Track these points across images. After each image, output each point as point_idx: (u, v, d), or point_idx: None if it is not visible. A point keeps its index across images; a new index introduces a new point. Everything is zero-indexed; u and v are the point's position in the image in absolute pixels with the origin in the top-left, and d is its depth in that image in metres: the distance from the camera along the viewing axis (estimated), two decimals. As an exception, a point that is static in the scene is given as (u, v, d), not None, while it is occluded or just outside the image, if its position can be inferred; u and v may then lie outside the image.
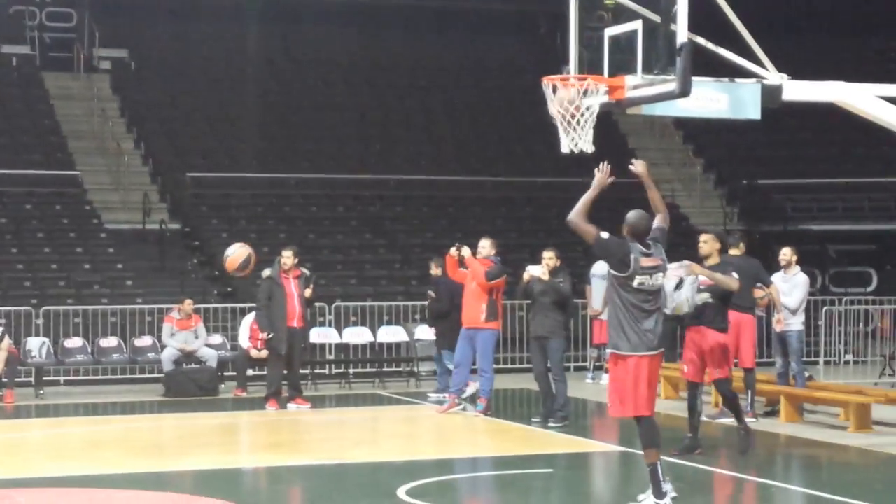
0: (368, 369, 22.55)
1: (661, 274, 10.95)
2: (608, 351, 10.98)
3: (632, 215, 11.15)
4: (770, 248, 18.42)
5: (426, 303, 20.34)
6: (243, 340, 20.75)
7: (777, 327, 17.16)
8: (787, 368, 17.26)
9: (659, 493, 10.52)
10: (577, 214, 11.13)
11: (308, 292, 18.62)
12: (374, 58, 35.33)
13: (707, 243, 14.29)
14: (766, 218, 31.58)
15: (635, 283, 10.71)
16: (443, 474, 12.66)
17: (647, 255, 10.83)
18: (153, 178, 30.04)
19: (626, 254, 10.73)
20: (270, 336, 18.36)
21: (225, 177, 29.70)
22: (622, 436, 16.57)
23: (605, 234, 10.95)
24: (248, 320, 20.60)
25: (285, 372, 18.54)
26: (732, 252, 16.80)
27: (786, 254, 17.19)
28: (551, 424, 16.22)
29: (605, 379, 21.24)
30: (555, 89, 12.85)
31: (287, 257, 18.49)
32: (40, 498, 11.44)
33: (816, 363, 22.26)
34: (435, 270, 19.67)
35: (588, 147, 13.04)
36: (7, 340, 19.92)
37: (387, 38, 36.16)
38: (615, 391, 10.82)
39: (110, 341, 21.70)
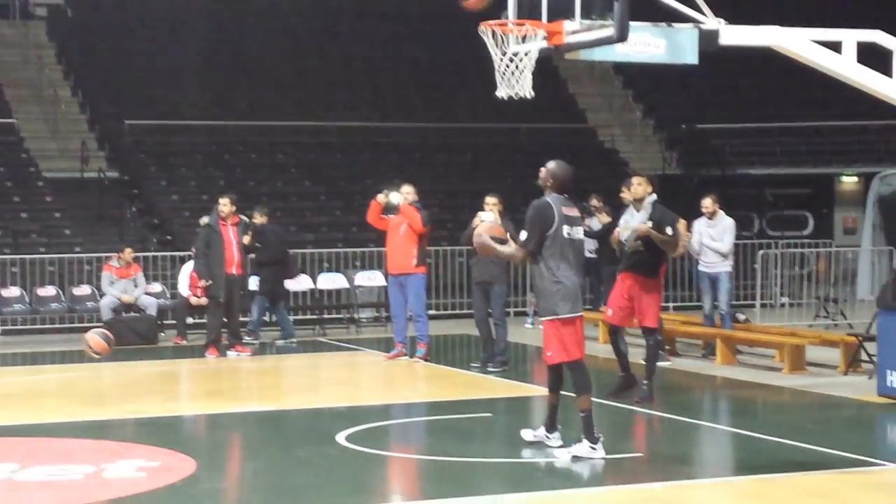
0: (309, 316, 22.56)
1: (581, 228, 10.93)
2: (541, 319, 10.91)
3: (554, 165, 11.14)
4: (709, 193, 18.51)
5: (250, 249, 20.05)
6: (183, 288, 20.71)
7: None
8: (713, 311, 17.46)
9: (593, 438, 10.61)
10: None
11: (246, 239, 18.60)
12: (314, 4, 35.10)
13: (640, 185, 14.34)
14: (704, 163, 31.78)
15: (564, 234, 10.67)
16: (382, 420, 12.74)
17: (568, 206, 10.83)
18: (91, 126, 29.80)
19: (548, 212, 10.67)
20: (209, 283, 18.32)
21: (163, 124, 29.50)
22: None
23: (523, 235, 10.79)
24: (188, 268, 20.54)
25: (225, 319, 18.53)
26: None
27: (706, 205, 17.36)
28: (491, 369, 16.33)
29: (544, 324, 21.41)
30: (493, 34, 12.85)
31: (224, 205, 18.41)
32: (-22, 447, 11.41)
33: (753, 306, 22.52)
34: (260, 219, 19.81)
35: (526, 92, 13.04)
36: None
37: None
38: (554, 342, 10.76)
39: (49, 290, 21.60)
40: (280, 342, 20.05)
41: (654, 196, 14.08)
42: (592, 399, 10.83)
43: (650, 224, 13.81)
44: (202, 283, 18.58)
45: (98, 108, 30.11)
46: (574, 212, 10.91)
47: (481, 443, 11.90)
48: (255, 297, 20.12)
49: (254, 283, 20.10)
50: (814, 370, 16.10)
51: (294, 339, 20.22)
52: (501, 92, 13.04)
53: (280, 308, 20.42)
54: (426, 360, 17.17)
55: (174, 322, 21.03)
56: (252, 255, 19.45)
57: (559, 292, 10.56)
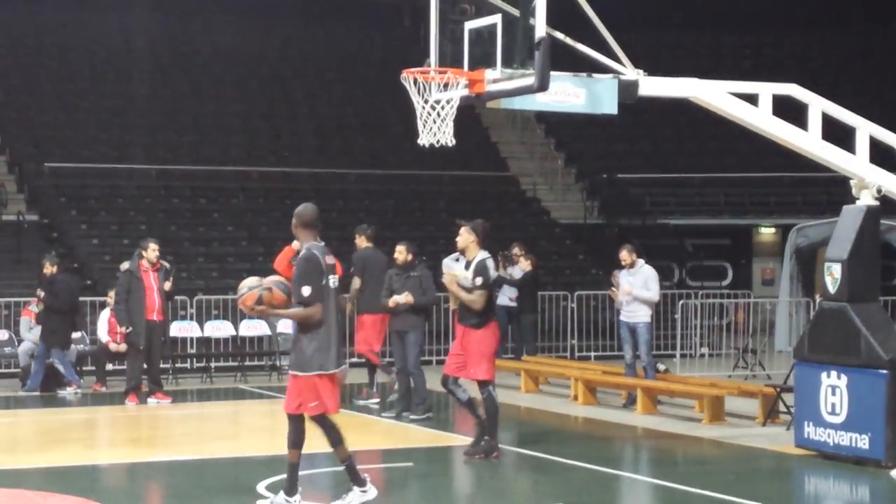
0: (230, 363, 22.40)
1: (335, 276, 10.56)
2: (291, 372, 10.54)
3: (301, 208, 10.65)
4: (629, 242, 18.67)
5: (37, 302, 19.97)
6: (102, 334, 20.48)
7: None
8: (634, 360, 17.57)
9: (360, 482, 10.72)
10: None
11: (168, 285, 18.50)
12: (241, 47, 35.12)
13: (462, 235, 13.69)
14: (625, 212, 32.03)
15: (330, 285, 10.42)
16: (302, 469, 12.64)
17: (327, 254, 10.48)
18: (10, 168, 29.49)
19: (316, 261, 10.32)
20: (129, 330, 18.16)
21: (84, 167, 29.25)
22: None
23: (307, 291, 10.27)
24: (106, 314, 20.34)
25: (145, 366, 18.36)
26: (365, 244, 17.45)
27: (623, 257, 17.50)
28: (412, 417, 16.29)
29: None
30: (415, 82, 12.90)
31: (153, 250, 18.32)
32: None
33: (673, 356, 22.66)
34: (50, 269, 19.66)
35: (448, 140, 13.08)
36: None
37: (252, 28, 35.92)
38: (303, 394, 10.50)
39: None
40: (68, 392, 19.51)
41: (485, 253, 13.56)
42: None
43: (463, 275, 13.46)
44: (122, 329, 18.41)
45: (17, 149, 29.81)
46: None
47: (400, 492, 11.85)
48: (49, 350, 19.64)
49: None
50: (733, 421, 16.20)
51: (79, 391, 19.56)
52: (424, 139, 13.09)
53: (65, 357, 19.84)
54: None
55: (93, 368, 20.77)
56: (40, 305, 19.50)
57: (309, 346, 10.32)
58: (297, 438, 10.60)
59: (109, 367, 20.66)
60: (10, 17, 33.84)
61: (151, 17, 34.68)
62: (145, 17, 34.37)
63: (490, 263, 13.47)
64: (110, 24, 33.95)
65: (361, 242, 17.66)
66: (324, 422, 10.51)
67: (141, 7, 33.80)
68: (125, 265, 18.73)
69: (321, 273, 10.26)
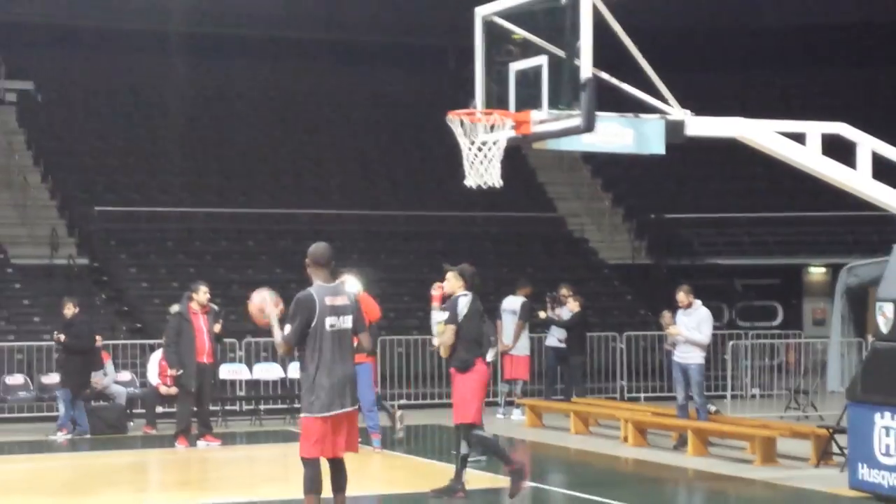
0: (279, 405, 22.40)
1: (349, 316, 10.33)
2: (302, 415, 10.41)
3: (313, 247, 10.46)
4: (677, 283, 18.58)
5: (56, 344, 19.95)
6: (152, 377, 20.55)
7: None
8: (687, 401, 17.44)
9: None
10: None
11: (218, 328, 18.55)
12: (286, 91, 35.34)
13: (449, 281, 13.53)
14: (673, 252, 31.90)
15: (327, 326, 10.18)
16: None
17: (334, 294, 10.30)
18: (61, 212, 29.73)
19: (307, 303, 10.17)
20: (180, 373, 18.21)
21: (133, 211, 29.45)
22: (533, 472, 16.65)
23: (286, 330, 10.25)
24: (157, 357, 20.41)
25: (194, 409, 18.39)
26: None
27: (680, 298, 17.36)
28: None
29: (515, 414, 21.38)
30: (462, 123, 12.93)
31: (204, 293, 18.40)
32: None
33: (723, 397, 22.48)
34: (71, 310, 19.73)
35: (495, 181, 13.09)
36: None
37: (299, 72, 36.16)
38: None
39: (17, 378, 21.39)
40: (61, 436, 19.45)
41: (465, 292, 13.28)
42: None
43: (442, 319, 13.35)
44: (172, 371, 18.46)
45: (68, 194, 30.07)
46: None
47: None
48: (60, 391, 19.82)
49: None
50: (785, 462, 16.04)
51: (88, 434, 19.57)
52: (470, 181, 13.11)
53: (79, 402, 19.82)
54: (382, 450, 16.98)
55: (143, 411, 20.85)
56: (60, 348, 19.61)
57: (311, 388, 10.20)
58: (306, 483, 10.39)
59: (159, 409, 20.72)
60: (58, 62, 34.23)
61: (199, 60, 34.98)
62: (192, 60, 34.64)
63: (463, 301, 13.13)
64: (159, 68, 34.20)
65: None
66: (306, 465, 10.35)
67: (189, 50, 34.07)
68: (175, 308, 18.76)
69: (310, 315, 10.09)
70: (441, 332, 13.25)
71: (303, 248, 32.18)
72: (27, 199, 29.28)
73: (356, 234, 30.22)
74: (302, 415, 10.34)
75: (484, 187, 13.14)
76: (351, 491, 12.75)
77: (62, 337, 19.20)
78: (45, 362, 22.00)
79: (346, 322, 10.28)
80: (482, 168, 13.02)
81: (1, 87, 33.15)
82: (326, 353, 10.13)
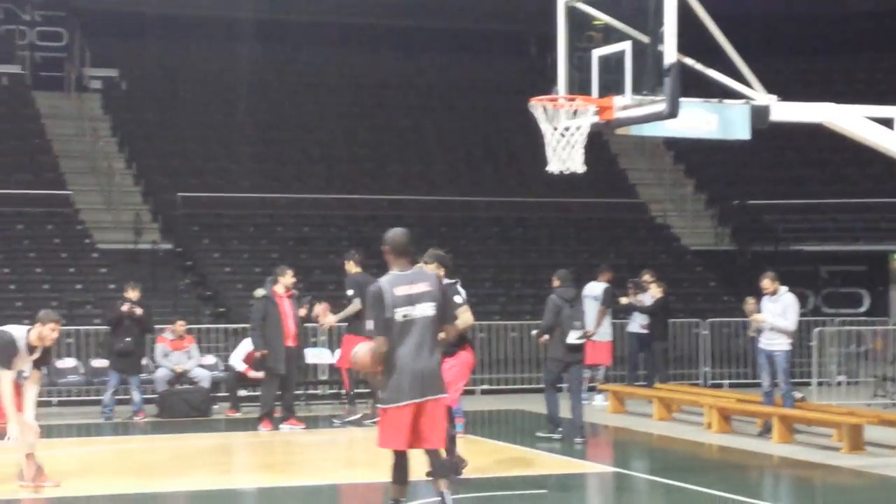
0: (362, 389, 22.48)
1: (431, 303, 9.98)
2: (379, 405, 10.25)
3: (390, 233, 10.21)
4: (761, 269, 18.43)
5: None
6: (236, 361, 20.69)
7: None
8: (772, 388, 17.30)
9: None
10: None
11: (303, 312, 18.69)
12: (366, 78, 35.42)
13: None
14: (757, 238, 31.63)
15: (398, 317, 9.90)
16: (432, 495, 12.63)
17: (410, 282, 9.98)
18: (145, 197, 30.03)
19: (377, 294, 9.94)
20: (266, 354, 18.26)
21: (216, 196, 29.67)
22: (616, 457, 16.65)
23: (369, 325, 10.02)
24: (246, 343, 20.43)
25: (279, 393, 18.51)
26: (354, 269, 18.20)
27: (765, 285, 17.18)
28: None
29: (597, 400, 21.34)
30: (544, 109, 12.90)
31: (291, 276, 18.51)
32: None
33: (809, 384, 22.29)
34: (135, 294, 19.92)
35: (577, 167, 13.06)
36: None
37: (379, 59, 36.26)
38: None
39: (103, 361, 21.65)
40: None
41: (449, 280, 13.06)
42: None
43: None
44: (258, 353, 18.52)
45: (152, 179, 30.37)
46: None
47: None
48: (111, 376, 20.04)
49: (173, 360, 20.59)
50: (872, 450, 15.87)
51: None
52: (553, 167, 13.09)
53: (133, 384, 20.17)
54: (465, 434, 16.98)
55: (227, 394, 21.04)
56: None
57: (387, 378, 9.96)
58: (394, 474, 10.24)
59: (242, 392, 20.90)
60: (142, 50, 34.56)
61: (281, 47, 35.20)
62: (274, 47, 34.86)
63: (456, 288, 13.10)
64: (241, 54, 34.40)
65: (351, 268, 18.55)
66: (393, 457, 10.21)
67: (269, 37, 34.28)
68: (260, 291, 18.80)
69: (383, 306, 9.84)
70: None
71: (383, 233, 32.41)
72: (112, 185, 29.61)
73: (437, 221, 30.25)
74: (379, 405, 10.21)
75: (566, 173, 13.12)
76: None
77: (303, 311, 18.91)
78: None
79: (426, 310, 9.93)
80: (564, 154, 13.00)
81: (86, 74, 33.52)
82: (403, 344, 9.87)
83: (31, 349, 12.96)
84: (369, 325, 10.00)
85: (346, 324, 18.65)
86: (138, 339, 20.18)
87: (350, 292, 18.29)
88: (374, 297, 9.92)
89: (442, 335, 10.22)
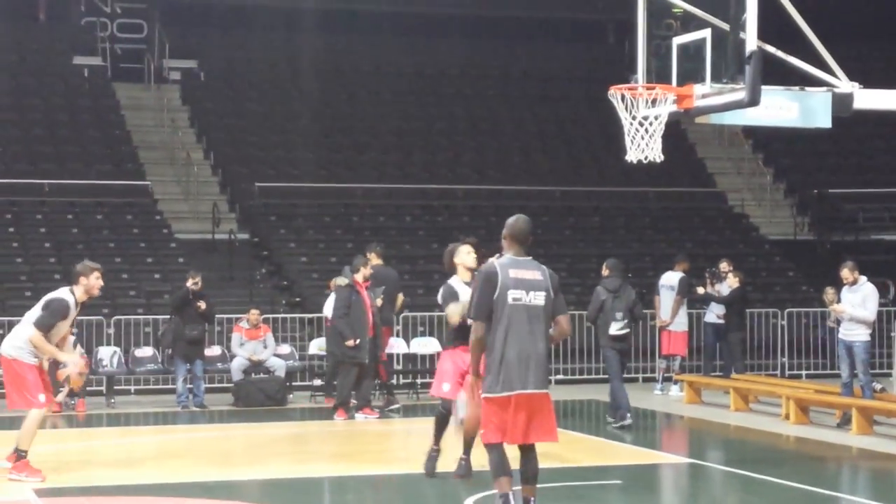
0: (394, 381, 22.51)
1: (542, 293, 9.62)
2: (482, 395, 9.60)
3: (511, 219, 9.88)
4: (840, 259, 18.20)
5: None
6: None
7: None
8: (851, 379, 17.10)
9: None
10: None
11: (379, 301, 18.71)
12: (438, 66, 35.42)
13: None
14: (837, 228, 31.29)
15: (510, 300, 9.51)
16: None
17: (523, 268, 9.63)
18: (222, 187, 30.24)
19: (489, 276, 9.58)
20: (357, 342, 18.19)
21: (292, 186, 29.82)
22: (692, 448, 16.54)
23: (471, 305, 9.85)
24: None
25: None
26: (376, 261, 18.68)
27: (845, 275, 16.96)
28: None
29: (673, 390, 21.21)
30: (623, 98, 12.83)
31: (366, 265, 18.48)
32: (111, 506, 11.54)
33: (889, 375, 22.02)
34: (193, 281, 20.09)
35: (656, 156, 12.98)
36: (79, 349, 20.11)
37: (450, 47, 36.21)
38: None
39: (146, 351, 21.77)
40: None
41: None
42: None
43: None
44: (349, 342, 18.36)
45: (229, 170, 30.56)
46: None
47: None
48: (179, 365, 20.14)
49: (249, 349, 20.74)
50: (953, 442, 15.67)
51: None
52: (631, 155, 13.02)
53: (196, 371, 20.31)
54: None
55: (303, 383, 21.12)
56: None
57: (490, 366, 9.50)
58: (493, 467, 9.63)
59: (318, 381, 20.99)
60: (220, 41, 34.80)
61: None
62: (327, 37, 34.94)
63: (441, 290, 12.75)
64: (315, 45, 34.50)
65: (374, 259, 18.94)
66: (489, 450, 9.63)
67: (321, 27, 34.39)
68: (343, 280, 18.72)
69: (494, 287, 9.47)
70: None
71: (458, 224, 32.60)
72: (190, 175, 29.84)
73: (513, 210, 29.94)
74: (482, 394, 9.59)
75: (644, 162, 13.04)
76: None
77: (380, 301, 18.89)
78: (207, 335, 22.23)
79: (538, 298, 9.56)
80: (643, 143, 12.93)
81: (165, 65, 33.79)
82: (509, 329, 9.43)
83: (78, 305, 13.15)
84: (470, 305, 9.77)
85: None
86: (203, 327, 20.34)
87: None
88: (486, 276, 9.57)
89: (552, 331, 9.74)
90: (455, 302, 12.38)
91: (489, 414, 9.51)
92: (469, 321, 9.78)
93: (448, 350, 12.77)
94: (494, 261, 9.68)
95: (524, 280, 9.54)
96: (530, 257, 9.72)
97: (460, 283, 12.59)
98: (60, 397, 18.71)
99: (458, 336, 12.46)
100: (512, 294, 9.47)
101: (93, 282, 13.24)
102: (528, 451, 9.60)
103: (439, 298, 12.73)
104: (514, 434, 9.46)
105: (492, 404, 9.48)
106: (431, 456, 13.02)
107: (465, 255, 12.79)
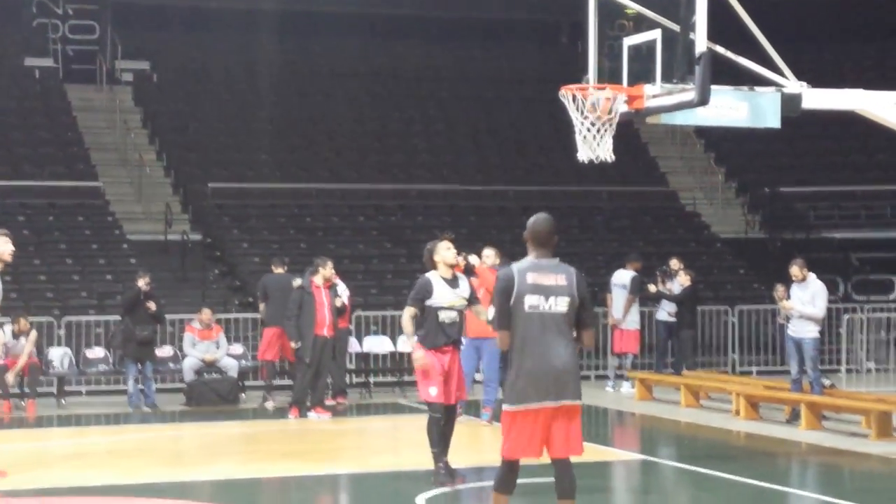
0: (389, 378, 22.57)
1: (565, 298, 8.86)
2: (504, 406, 8.98)
3: (531, 219, 9.19)
4: (791, 257, 18.35)
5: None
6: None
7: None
8: (801, 375, 17.24)
9: None
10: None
11: (339, 301, 18.95)
12: (394, 68, 35.42)
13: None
14: (788, 226, 31.52)
15: (525, 307, 8.84)
16: (463, 482, 12.64)
17: (544, 271, 8.92)
18: (175, 188, 30.13)
19: (504, 282, 8.96)
20: (298, 345, 18.38)
21: (245, 187, 29.78)
22: (643, 445, 16.64)
23: (490, 314, 9.52)
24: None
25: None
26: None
27: (794, 272, 17.09)
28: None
29: (625, 387, 21.33)
30: (574, 98, 12.88)
31: (330, 267, 18.66)
32: (61, 507, 11.49)
33: (838, 371, 22.23)
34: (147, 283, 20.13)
35: (607, 156, 13.04)
36: (34, 336, 20.08)
37: (406, 48, 36.29)
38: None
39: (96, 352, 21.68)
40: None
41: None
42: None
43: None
44: (292, 344, 18.59)
45: (182, 171, 30.46)
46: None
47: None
48: (129, 366, 20.10)
49: (202, 350, 20.76)
50: (901, 437, 15.82)
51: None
52: (582, 155, 13.07)
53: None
54: (491, 423, 16.92)
55: (255, 384, 21.10)
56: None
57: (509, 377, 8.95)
58: (503, 483, 9.10)
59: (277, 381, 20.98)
60: (172, 42, 34.68)
61: (309, 38, 35.25)
62: (299, 38, 34.90)
63: (417, 283, 12.74)
64: (266, 46, 34.45)
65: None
66: (501, 463, 9.10)
67: (278, 29, 34.35)
68: (297, 281, 18.97)
69: (508, 292, 8.82)
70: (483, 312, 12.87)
71: (411, 223, 32.66)
72: (142, 176, 29.72)
73: (466, 210, 30.27)
74: (506, 405, 8.94)
75: (596, 162, 13.10)
76: (463, 462, 12.85)
77: (339, 301, 19.14)
78: (160, 336, 22.18)
79: (559, 305, 8.81)
80: (594, 142, 12.98)
81: (118, 66, 33.64)
82: (527, 337, 8.75)
83: None
84: (492, 314, 9.20)
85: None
86: (154, 328, 20.33)
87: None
88: (502, 283, 8.90)
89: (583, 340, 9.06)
90: (416, 305, 12.43)
91: (505, 426, 8.94)
92: (497, 332, 8.96)
93: (427, 352, 12.55)
94: (514, 265, 9.03)
95: (543, 286, 8.82)
96: (556, 259, 8.97)
97: (438, 279, 12.60)
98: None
99: (426, 338, 12.46)
100: (528, 301, 8.79)
101: (2, 247, 13.05)
102: (560, 465, 8.99)
103: (411, 292, 12.68)
104: (535, 447, 8.90)
105: (507, 417, 8.91)
106: (439, 471, 12.44)
107: (444, 252, 12.70)
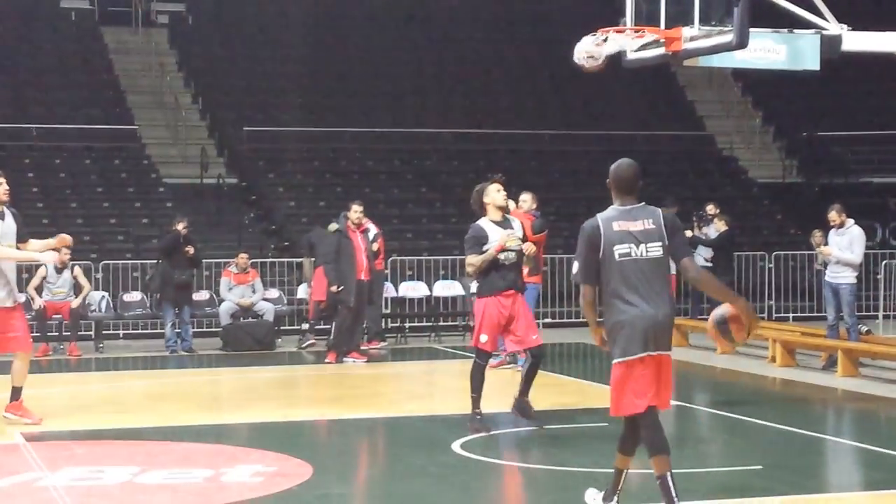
0: (424, 323, 22.61)
1: (657, 243, 8.33)
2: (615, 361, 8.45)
3: (614, 165, 8.64)
4: (828, 202, 18.23)
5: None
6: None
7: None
8: (837, 321, 17.15)
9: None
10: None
11: (375, 246, 18.87)
12: (431, 11, 35.23)
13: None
14: (826, 171, 31.31)
15: (616, 256, 8.35)
16: (496, 429, 12.66)
17: (631, 218, 8.40)
18: (211, 132, 30.16)
19: (588, 233, 8.43)
20: (340, 289, 18.30)
21: (281, 131, 29.78)
22: (679, 391, 16.61)
23: (574, 269, 8.77)
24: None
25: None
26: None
27: (832, 217, 16.92)
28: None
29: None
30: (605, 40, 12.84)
31: (356, 211, 18.54)
32: (99, 450, 11.57)
33: (876, 318, 22.11)
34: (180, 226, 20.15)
35: (597, 66, 13.13)
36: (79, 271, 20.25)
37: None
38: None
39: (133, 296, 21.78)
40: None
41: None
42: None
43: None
44: (333, 289, 18.49)
45: (217, 114, 30.47)
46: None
47: (597, 453, 11.77)
48: (167, 310, 20.15)
49: (237, 294, 20.83)
50: (938, 383, 15.75)
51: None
52: (575, 57, 13.17)
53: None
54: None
55: (292, 328, 21.17)
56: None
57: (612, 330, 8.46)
58: (621, 442, 8.81)
59: (305, 325, 21.04)
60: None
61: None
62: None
63: (469, 232, 12.43)
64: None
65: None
66: (625, 423, 8.70)
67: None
68: (333, 226, 18.84)
69: (595, 244, 8.33)
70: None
71: (447, 168, 32.59)
72: (178, 119, 29.75)
73: (502, 154, 30.18)
74: (614, 359, 8.43)
75: (586, 67, 13.08)
76: (493, 407, 12.86)
77: (375, 245, 19.23)
78: (196, 280, 22.24)
79: (652, 250, 8.30)
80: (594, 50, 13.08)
81: (153, 9, 33.60)
82: (621, 288, 8.28)
83: None
84: (576, 267, 8.64)
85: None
86: (191, 272, 20.39)
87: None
88: (587, 234, 8.39)
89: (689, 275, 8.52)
90: (476, 253, 12.21)
91: (626, 381, 8.39)
92: (583, 288, 8.50)
93: (483, 298, 12.38)
94: (598, 215, 8.48)
95: (632, 233, 8.32)
96: (642, 203, 8.46)
97: (490, 224, 12.34)
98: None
99: (484, 284, 12.33)
100: (618, 249, 8.28)
101: None
102: (648, 419, 8.45)
103: (466, 243, 12.39)
104: (631, 403, 8.40)
105: (626, 370, 8.38)
106: (475, 416, 12.34)
107: (494, 194, 12.40)
